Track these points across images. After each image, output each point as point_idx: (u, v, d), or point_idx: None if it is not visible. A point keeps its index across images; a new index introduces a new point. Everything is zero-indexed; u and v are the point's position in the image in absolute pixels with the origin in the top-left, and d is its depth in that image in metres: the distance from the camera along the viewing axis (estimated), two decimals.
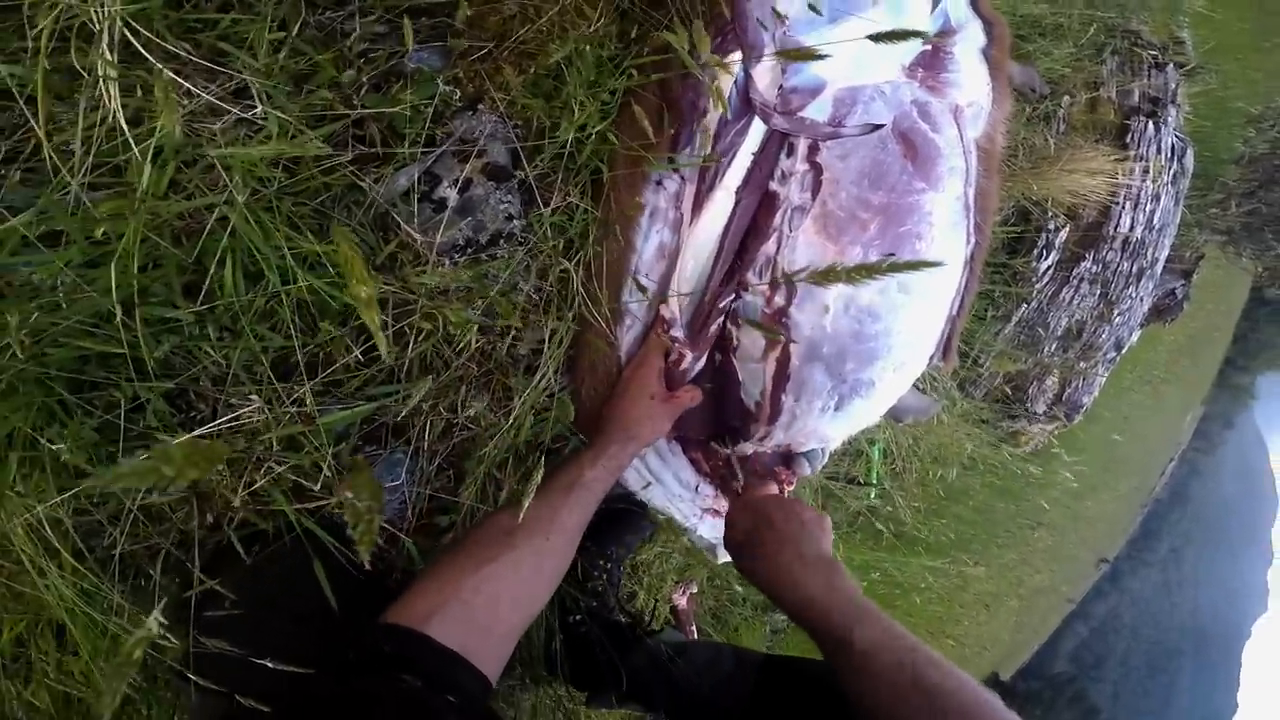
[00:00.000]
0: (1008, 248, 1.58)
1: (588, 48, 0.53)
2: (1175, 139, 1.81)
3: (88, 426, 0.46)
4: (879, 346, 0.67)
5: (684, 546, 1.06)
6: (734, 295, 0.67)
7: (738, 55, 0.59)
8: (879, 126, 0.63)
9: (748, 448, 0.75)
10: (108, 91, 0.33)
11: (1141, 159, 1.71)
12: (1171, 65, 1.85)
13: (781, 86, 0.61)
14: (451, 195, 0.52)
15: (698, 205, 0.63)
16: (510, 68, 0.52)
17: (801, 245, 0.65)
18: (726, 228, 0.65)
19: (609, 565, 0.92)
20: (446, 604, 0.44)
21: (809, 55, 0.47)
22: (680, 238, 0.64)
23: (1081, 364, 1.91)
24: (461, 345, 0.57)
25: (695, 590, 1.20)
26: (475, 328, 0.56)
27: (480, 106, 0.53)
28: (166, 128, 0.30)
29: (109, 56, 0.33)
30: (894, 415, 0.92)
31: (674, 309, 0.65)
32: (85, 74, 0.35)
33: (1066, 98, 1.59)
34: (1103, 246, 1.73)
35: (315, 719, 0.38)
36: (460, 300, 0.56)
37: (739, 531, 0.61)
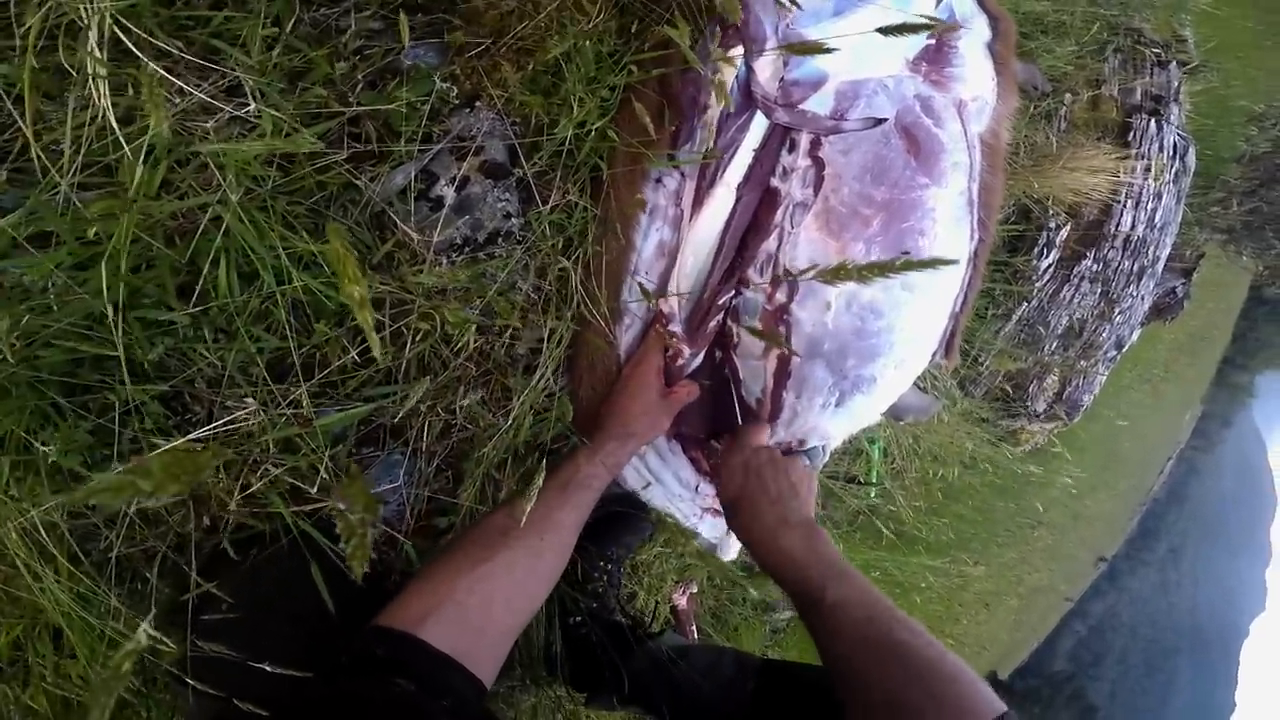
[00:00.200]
0: (1008, 246, 1.57)
1: (587, 43, 0.52)
2: (1177, 137, 1.80)
3: (81, 430, 0.45)
4: (881, 343, 0.66)
5: (691, 550, 1.06)
6: (734, 292, 0.67)
7: (739, 49, 0.58)
8: (882, 121, 0.62)
9: None
10: (97, 90, 0.33)
11: (1143, 157, 1.70)
12: (1174, 63, 1.84)
13: (783, 79, 0.60)
14: (449, 193, 0.51)
15: (698, 202, 0.62)
16: (508, 64, 0.51)
17: (803, 242, 0.64)
18: (727, 224, 0.65)
19: (609, 566, 0.92)
20: (440, 607, 0.44)
21: (815, 49, 0.46)
22: (680, 235, 0.63)
23: (1082, 363, 1.90)
24: (459, 345, 0.56)
25: (695, 590, 1.20)
26: (473, 328, 0.56)
27: (478, 103, 0.52)
28: (156, 125, 0.29)
29: (98, 54, 0.32)
30: (894, 414, 0.91)
31: (673, 304, 0.64)
32: (74, 72, 0.34)
33: (1068, 95, 1.58)
34: (1104, 245, 1.72)
35: None
36: (458, 300, 0.56)
37: (733, 488, 0.62)
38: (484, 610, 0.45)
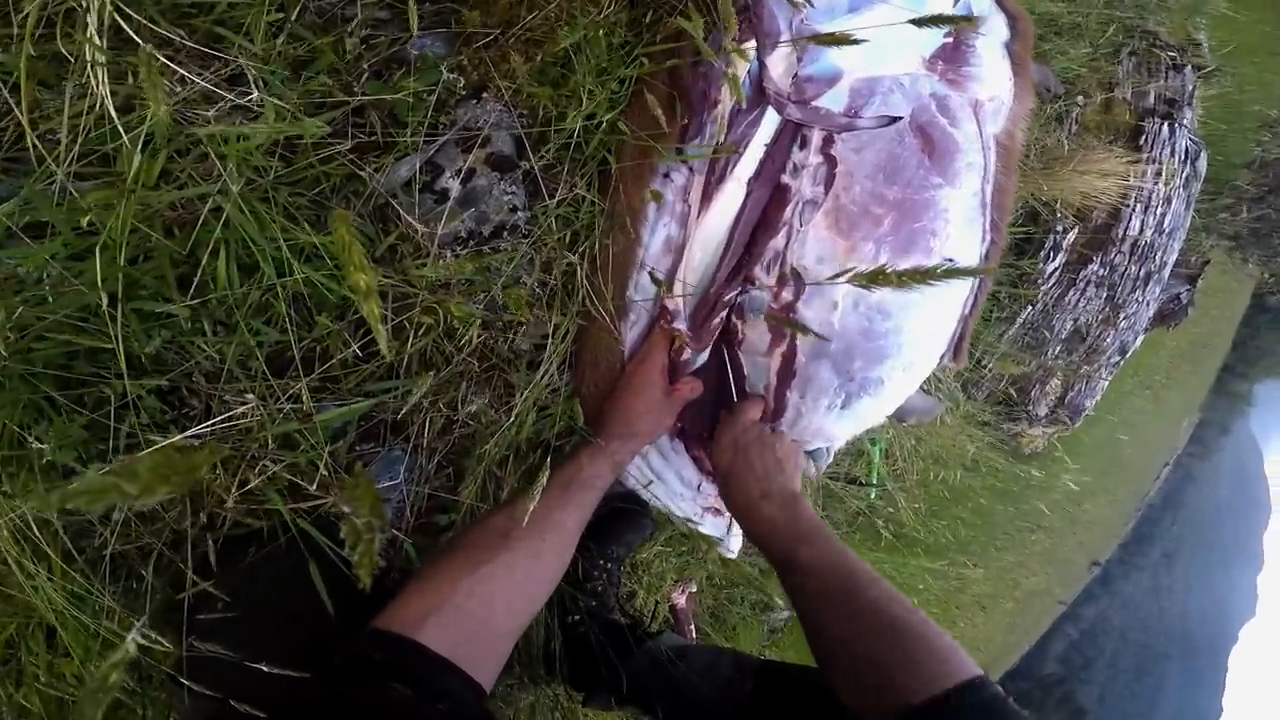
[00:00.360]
0: (1015, 248, 1.56)
1: (601, 34, 0.51)
2: (1189, 142, 1.79)
3: (76, 424, 0.44)
4: (889, 345, 0.66)
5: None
6: (740, 290, 0.66)
7: (753, 43, 0.57)
8: (896, 119, 0.61)
9: None
10: (96, 77, 0.31)
11: (1154, 161, 1.69)
12: (1189, 67, 1.82)
13: (796, 75, 0.59)
14: (454, 186, 0.50)
15: (707, 197, 0.61)
16: (517, 55, 0.50)
17: (811, 240, 0.63)
18: (736, 220, 0.64)
19: (609, 565, 0.92)
20: (439, 609, 0.43)
21: (838, 40, 0.45)
22: (687, 231, 0.62)
23: (1085, 368, 1.90)
24: (463, 341, 0.56)
25: (694, 590, 1.20)
26: (477, 322, 0.55)
27: (485, 94, 0.51)
28: (154, 110, 0.28)
29: (97, 41, 0.31)
30: (898, 415, 0.91)
31: (678, 301, 0.64)
32: (73, 60, 0.33)
33: (1081, 98, 1.57)
34: (1111, 249, 1.71)
35: None
36: (461, 294, 0.55)
37: (723, 462, 0.64)
38: (484, 612, 0.45)
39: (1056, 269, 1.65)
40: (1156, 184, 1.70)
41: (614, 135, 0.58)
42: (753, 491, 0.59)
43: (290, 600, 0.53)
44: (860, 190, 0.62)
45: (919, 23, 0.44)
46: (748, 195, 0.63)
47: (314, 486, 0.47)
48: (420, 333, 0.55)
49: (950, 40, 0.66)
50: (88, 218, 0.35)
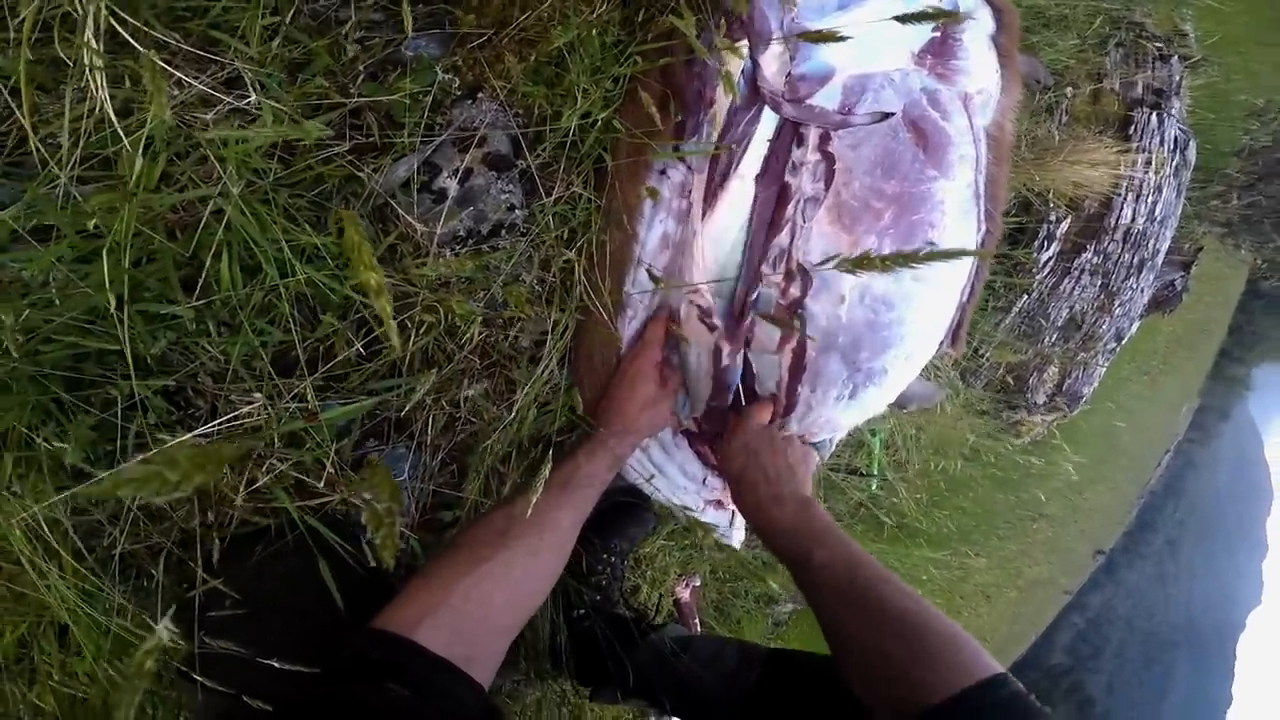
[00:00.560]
0: (1009, 238, 1.57)
1: (594, 33, 0.52)
2: (1178, 131, 1.79)
3: (84, 425, 0.45)
4: (892, 335, 0.66)
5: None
6: (757, 288, 0.66)
7: (746, 42, 0.58)
8: (889, 114, 0.62)
9: None
10: (94, 81, 0.32)
11: (1144, 150, 1.70)
12: (1176, 57, 1.83)
13: (790, 74, 0.60)
14: (452, 185, 0.51)
15: (710, 195, 0.62)
16: (511, 55, 0.50)
17: (816, 236, 0.64)
18: (750, 219, 0.64)
19: (612, 559, 0.92)
20: (437, 609, 0.43)
21: (827, 37, 0.45)
22: (689, 228, 0.63)
23: (1082, 355, 1.91)
24: (464, 338, 0.56)
25: (698, 583, 1.20)
26: (478, 320, 0.55)
27: (480, 95, 0.51)
28: (156, 115, 0.29)
29: (94, 45, 0.31)
30: (899, 402, 0.91)
31: (708, 298, 0.64)
32: (70, 64, 0.33)
33: (1070, 89, 1.57)
34: (1104, 238, 1.72)
35: None
36: (461, 292, 0.55)
37: (734, 468, 0.64)
38: (482, 611, 0.45)
39: (1051, 258, 1.66)
40: (1147, 173, 1.70)
41: (609, 133, 0.58)
42: (765, 495, 0.60)
43: (298, 598, 0.53)
44: (860, 185, 0.63)
45: (905, 19, 0.45)
46: (756, 195, 0.64)
47: (321, 484, 0.47)
48: (422, 331, 0.56)
49: (938, 35, 0.67)
50: (93, 221, 0.35)
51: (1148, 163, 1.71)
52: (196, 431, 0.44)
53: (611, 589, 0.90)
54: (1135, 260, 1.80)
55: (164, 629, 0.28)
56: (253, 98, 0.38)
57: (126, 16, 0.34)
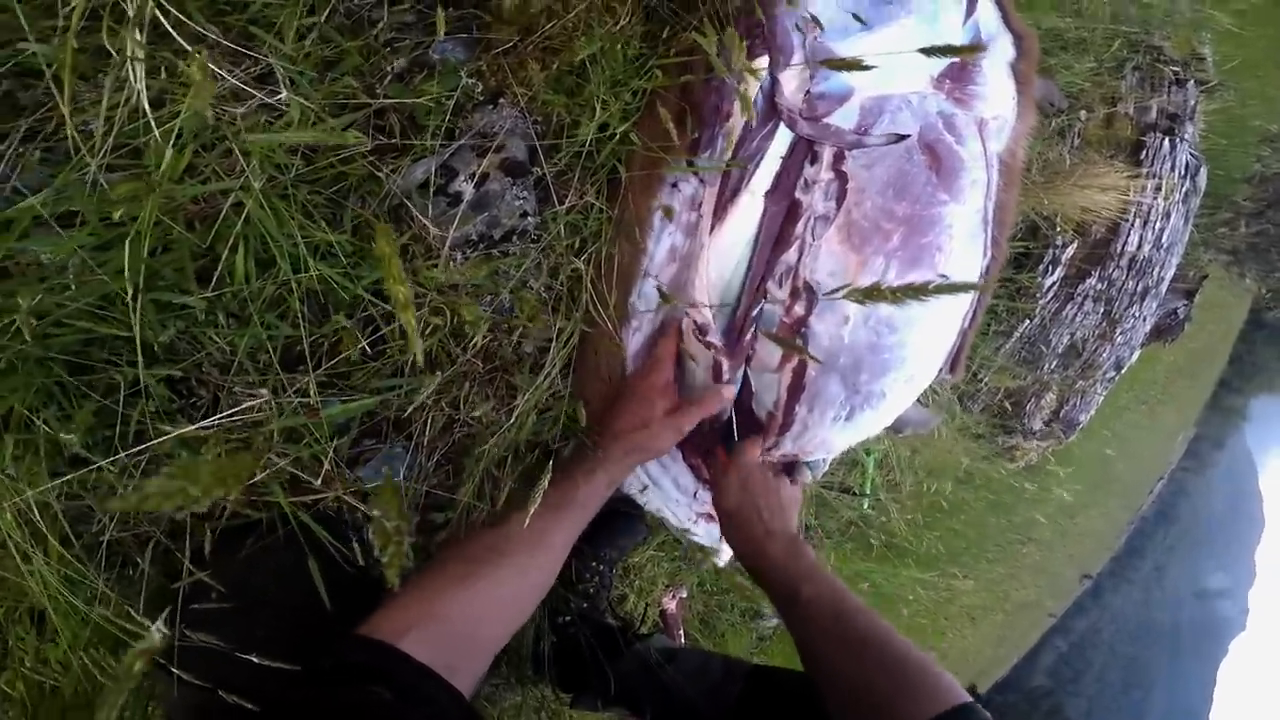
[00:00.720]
0: (1014, 262, 1.62)
1: (617, 45, 0.54)
2: (1190, 156, 1.86)
3: (85, 410, 0.47)
4: (893, 359, 0.69)
5: (693, 558, 1.10)
6: (759, 305, 0.69)
7: (765, 60, 0.61)
8: (905, 137, 0.65)
9: None
10: (134, 72, 0.34)
11: (1154, 176, 1.76)
12: (1192, 82, 1.90)
13: (809, 92, 0.63)
14: (467, 189, 0.53)
15: (720, 209, 0.64)
16: (534, 62, 0.53)
17: (824, 254, 0.66)
18: (757, 235, 0.67)
19: (601, 567, 0.95)
20: (424, 622, 0.46)
21: (850, 65, 0.49)
22: (696, 241, 0.66)
23: (1080, 382, 1.98)
24: (470, 341, 0.59)
25: (684, 595, 1.24)
26: (486, 324, 0.58)
27: (501, 100, 0.54)
28: (199, 109, 0.31)
29: (138, 37, 0.33)
30: (894, 427, 0.95)
31: (707, 315, 0.66)
32: (114, 54, 0.35)
33: (1084, 112, 1.63)
34: (1109, 264, 1.78)
35: None
36: (469, 295, 0.58)
37: (728, 502, 0.69)
38: (469, 626, 0.48)
39: (1055, 283, 1.72)
40: (1156, 199, 1.77)
41: (625, 145, 0.61)
42: (758, 531, 0.65)
43: (288, 594, 0.55)
44: (871, 206, 0.66)
45: (928, 52, 0.48)
46: (765, 211, 0.66)
47: (319, 481, 0.50)
48: (428, 333, 0.58)
49: (958, 60, 0.71)
50: (119, 210, 0.37)
51: (1158, 188, 1.78)
52: (201, 424, 0.46)
53: (599, 597, 0.93)
54: (1139, 288, 1.87)
55: (157, 630, 0.30)
56: (284, 94, 0.40)
57: (170, 9, 0.36)
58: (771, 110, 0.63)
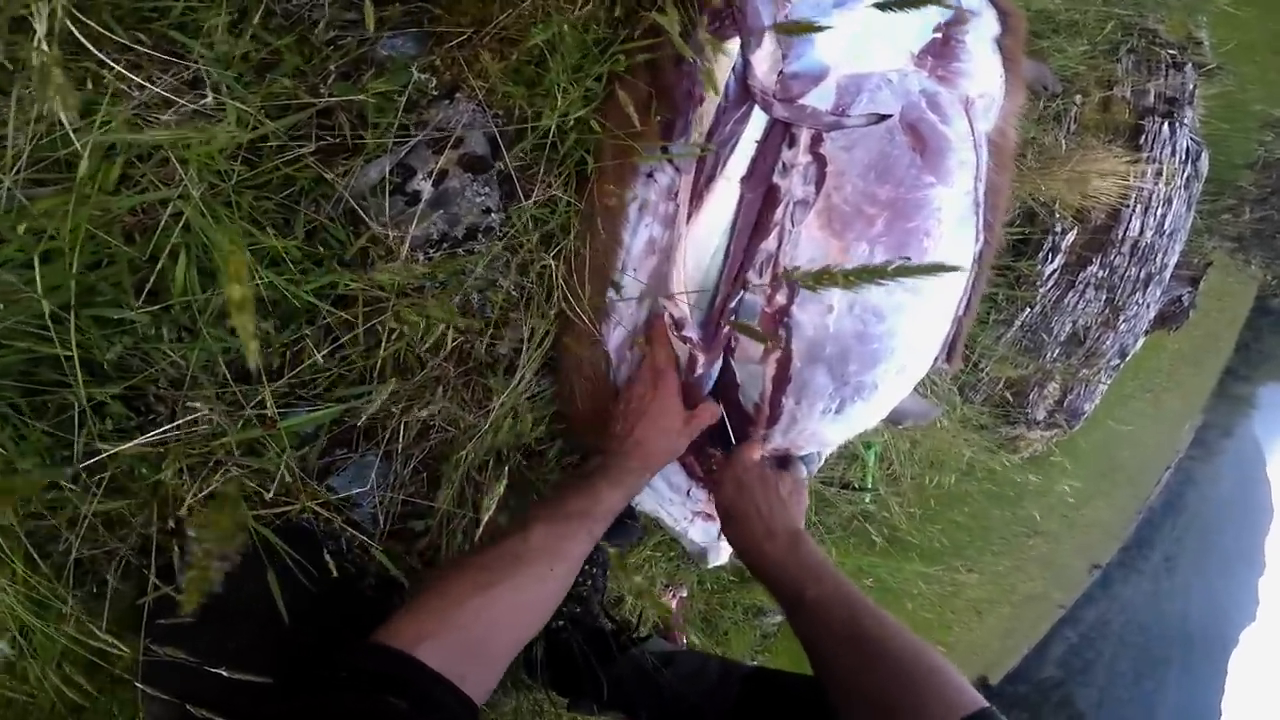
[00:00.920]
0: (1013, 250, 1.55)
1: (566, 28, 0.50)
2: (1190, 141, 1.77)
3: (38, 430, 0.44)
4: (883, 348, 0.64)
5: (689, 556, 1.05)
6: (736, 295, 0.65)
7: (737, 41, 0.56)
8: (886, 117, 0.60)
9: None
10: (47, 84, 0.31)
11: (1154, 161, 1.67)
12: (1189, 65, 1.80)
13: (781, 72, 0.58)
14: (426, 188, 0.49)
15: (696, 197, 0.60)
16: (489, 54, 0.49)
17: (804, 241, 0.62)
18: (733, 223, 0.62)
19: (594, 570, 0.91)
20: (442, 630, 0.43)
21: (808, 28, 0.43)
22: (675, 232, 0.61)
23: (1084, 371, 1.89)
24: (433, 342, 0.55)
25: (685, 595, 1.19)
26: (450, 326, 0.54)
27: (458, 95, 0.50)
28: (65, 112, 0.27)
29: (45, 49, 0.30)
30: (893, 419, 0.90)
31: (683, 308, 0.62)
32: (21, 66, 0.32)
33: (1079, 96, 1.55)
34: (1110, 251, 1.70)
35: None
36: (435, 297, 0.54)
37: (726, 502, 0.64)
38: (485, 635, 0.45)
39: (1055, 271, 1.64)
40: (1157, 184, 1.68)
41: (591, 135, 0.57)
42: (757, 530, 0.60)
43: (260, 604, 0.52)
44: (852, 189, 0.61)
45: (883, 7, 0.43)
46: (741, 197, 0.62)
47: (270, 494, 0.46)
48: (394, 337, 0.54)
49: (939, 36, 0.65)
50: (44, 224, 0.34)
51: (1158, 174, 1.69)
52: (148, 436, 0.43)
53: (591, 601, 0.89)
54: (1142, 274, 1.78)
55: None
56: (210, 99, 0.36)
57: (87, 20, 0.33)
58: (745, 93, 0.58)
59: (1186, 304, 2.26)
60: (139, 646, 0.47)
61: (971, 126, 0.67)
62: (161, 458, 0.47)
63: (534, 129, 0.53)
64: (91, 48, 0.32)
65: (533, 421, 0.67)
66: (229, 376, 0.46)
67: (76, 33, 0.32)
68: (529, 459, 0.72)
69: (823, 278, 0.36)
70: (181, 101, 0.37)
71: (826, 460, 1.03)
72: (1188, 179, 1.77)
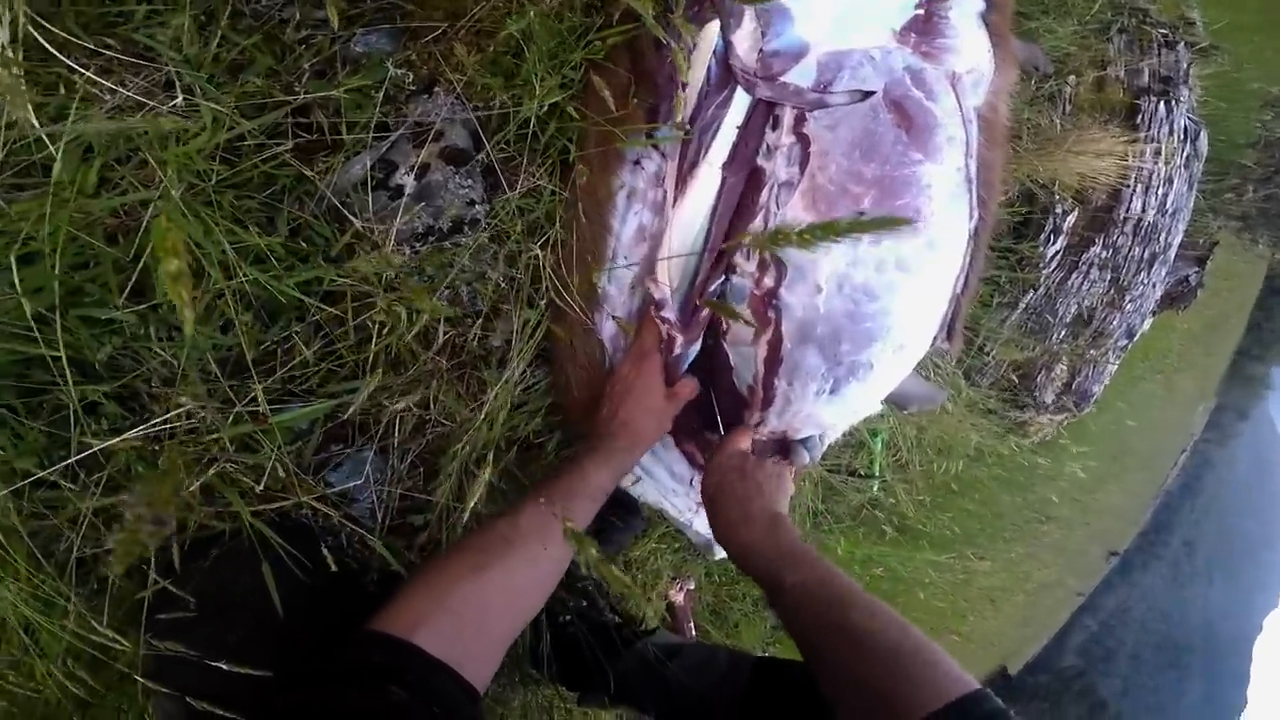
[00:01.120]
0: (1014, 231, 1.49)
1: (548, 17, 0.48)
2: (1188, 120, 1.70)
3: (35, 430, 0.43)
4: (876, 327, 0.61)
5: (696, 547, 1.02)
6: (722, 279, 0.62)
7: (716, 23, 0.54)
8: (869, 94, 0.57)
9: None
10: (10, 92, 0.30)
11: (1152, 140, 1.61)
12: (1182, 44, 1.73)
13: (762, 50, 0.56)
14: (408, 181, 0.48)
15: (681, 182, 0.58)
16: (466, 47, 0.47)
17: (790, 222, 0.60)
18: (714, 207, 0.60)
19: None
20: (436, 613, 0.42)
21: None
22: (664, 218, 0.59)
23: (1091, 352, 1.81)
24: (421, 333, 0.53)
25: (692, 587, 1.16)
26: (440, 320, 0.52)
27: (436, 89, 0.49)
28: (20, 117, 0.26)
29: (10, 54, 0.29)
30: (898, 403, 0.86)
31: (665, 291, 0.60)
32: None
33: (1072, 77, 1.49)
34: (1113, 230, 1.63)
35: None
36: (418, 290, 0.52)
37: (708, 490, 0.62)
38: (480, 618, 0.44)
39: (1058, 252, 1.58)
40: (1156, 164, 1.62)
41: (573, 123, 0.55)
42: (734, 515, 0.58)
43: (258, 598, 0.51)
44: (836, 169, 0.58)
45: None
46: (723, 182, 0.60)
47: (262, 487, 0.45)
48: (385, 332, 0.53)
49: (921, 12, 0.62)
50: (23, 228, 0.33)
51: (1157, 153, 1.62)
52: (136, 430, 0.42)
53: (597, 594, 0.87)
54: (1146, 254, 1.70)
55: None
56: (180, 100, 0.35)
57: (47, 25, 0.32)
58: (726, 77, 0.55)
59: (1194, 284, 2.16)
60: (140, 642, 0.46)
61: (959, 102, 0.64)
62: (157, 455, 0.46)
63: (514, 119, 0.52)
64: (58, 54, 0.31)
65: (529, 413, 0.65)
66: (219, 374, 0.45)
67: (41, 39, 0.31)
68: (527, 451, 0.70)
69: (777, 238, 0.34)
70: (153, 104, 0.36)
71: (831, 447, 1.00)
72: (1187, 158, 1.70)
